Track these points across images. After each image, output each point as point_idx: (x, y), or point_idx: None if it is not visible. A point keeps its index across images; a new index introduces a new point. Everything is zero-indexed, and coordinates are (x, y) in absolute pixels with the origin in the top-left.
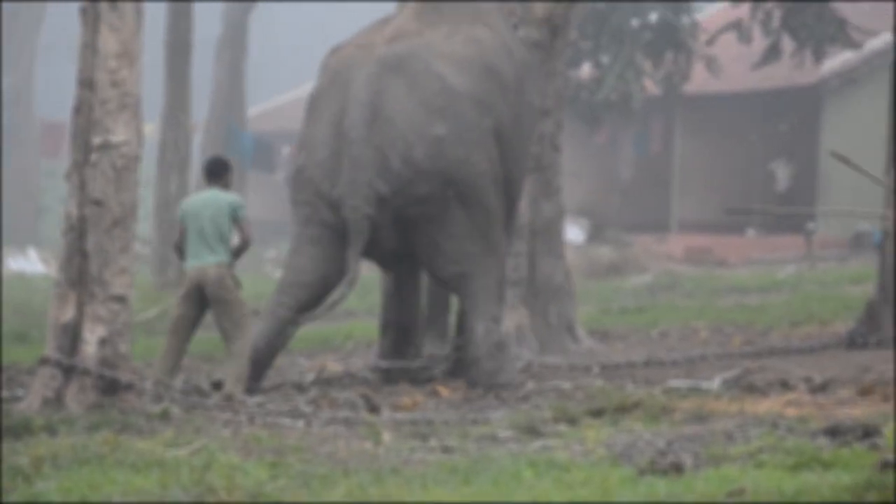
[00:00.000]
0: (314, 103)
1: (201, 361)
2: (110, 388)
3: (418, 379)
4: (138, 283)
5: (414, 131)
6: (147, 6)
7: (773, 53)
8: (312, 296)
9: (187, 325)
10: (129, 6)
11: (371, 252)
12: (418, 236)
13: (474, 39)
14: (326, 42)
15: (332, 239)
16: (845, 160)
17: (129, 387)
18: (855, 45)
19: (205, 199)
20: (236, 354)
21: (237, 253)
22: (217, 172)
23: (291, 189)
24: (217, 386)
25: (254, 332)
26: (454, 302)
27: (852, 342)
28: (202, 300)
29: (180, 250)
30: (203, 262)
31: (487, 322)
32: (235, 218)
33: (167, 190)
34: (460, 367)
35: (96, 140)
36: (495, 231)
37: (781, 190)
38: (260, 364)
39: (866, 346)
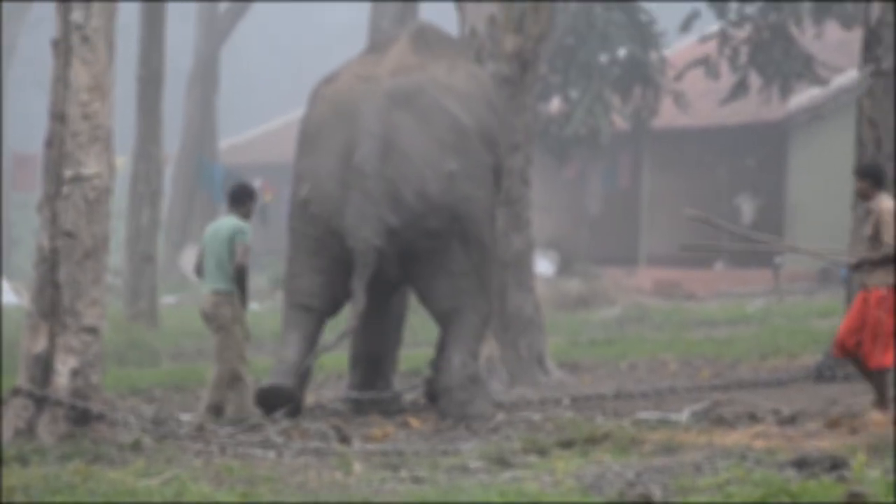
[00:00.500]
0: (312, 133)
1: (173, 392)
2: (82, 418)
3: (389, 410)
4: (110, 315)
5: (429, 166)
6: (119, 39)
7: (740, 89)
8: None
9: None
10: (100, 39)
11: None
12: (419, 270)
13: (473, 75)
14: (297, 76)
15: (335, 267)
16: (704, 219)
17: (100, 417)
18: (821, 82)
19: (216, 228)
20: (212, 384)
21: (237, 281)
22: (239, 199)
23: (295, 220)
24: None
25: (287, 343)
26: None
27: (820, 375)
28: None
29: (200, 273)
30: (206, 289)
31: (465, 356)
32: (233, 244)
33: (139, 222)
34: (434, 397)
35: (68, 172)
36: (488, 269)
37: (747, 224)
38: (304, 372)
39: (834, 379)
